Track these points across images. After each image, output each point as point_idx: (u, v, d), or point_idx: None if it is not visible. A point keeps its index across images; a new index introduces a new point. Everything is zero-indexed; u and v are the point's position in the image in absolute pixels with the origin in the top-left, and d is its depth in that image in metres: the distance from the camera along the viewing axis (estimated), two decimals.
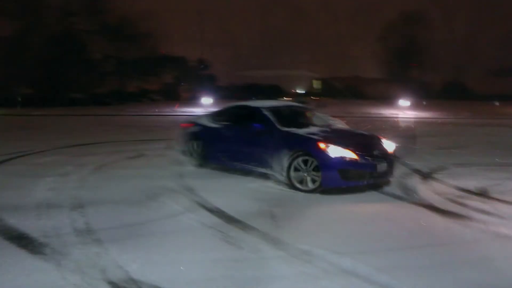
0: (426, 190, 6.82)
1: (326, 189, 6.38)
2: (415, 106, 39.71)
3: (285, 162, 6.61)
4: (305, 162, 6.47)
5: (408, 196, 6.44)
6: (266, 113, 7.41)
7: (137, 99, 47.30)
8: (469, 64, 67.38)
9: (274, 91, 75.02)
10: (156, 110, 33.19)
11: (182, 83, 63.79)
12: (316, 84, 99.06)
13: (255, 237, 4.46)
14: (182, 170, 8.04)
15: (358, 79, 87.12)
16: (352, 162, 6.35)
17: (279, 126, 7.11)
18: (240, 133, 7.70)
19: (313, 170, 6.40)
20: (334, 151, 6.38)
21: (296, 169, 6.53)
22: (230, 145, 7.81)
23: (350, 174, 6.38)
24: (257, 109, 7.69)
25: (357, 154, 6.38)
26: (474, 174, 8.11)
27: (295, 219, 5.31)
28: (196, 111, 33.92)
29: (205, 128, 8.31)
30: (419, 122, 23.63)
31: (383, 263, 3.86)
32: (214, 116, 8.52)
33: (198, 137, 8.30)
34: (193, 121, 8.82)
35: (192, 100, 55.63)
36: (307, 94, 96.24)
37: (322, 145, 6.45)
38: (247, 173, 7.53)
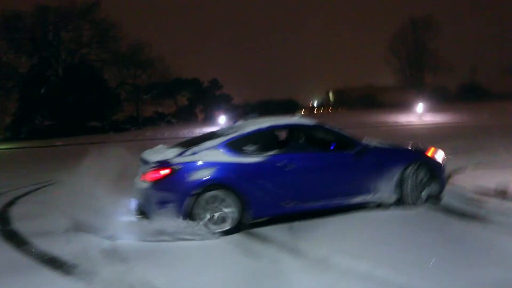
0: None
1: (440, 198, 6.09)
2: (431, 111, 39.36)
3: (395, 178, 5.80)
4: (418, 173, 5.89)
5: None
6: (337, 130, 6.09)
7: (154, 123, 48.04)
8: (483, 64, 66.83)
9: (289, 106, 75.37)
10: (166, 133, 33.62)
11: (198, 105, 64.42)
12: (332, 96, 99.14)
13: None
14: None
15: (372, 88, 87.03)
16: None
17: (363, 142, 6.02)
18: (313, 161, 5.75)
19: (428, 180, 5.99)
20: (440, 156, 6.28)
21: (411, 183, 5.88)
22: (298, 182, 5.57)
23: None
24: (319, 127, 6.10)
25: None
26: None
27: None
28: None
29: (235, 167, 5.34)
30: (439, 128, 23.45)
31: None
32: (233, 144, 5.49)
33: (227, 184, 5.26)
34: (188, 162, 5.28)
35: (208, 120, 56.28)
36: (321, 106, 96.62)
37: (430, 152, 6.23)
38: (321, 214, 5.75)
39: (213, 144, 5.44)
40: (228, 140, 5.52)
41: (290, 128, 6.25)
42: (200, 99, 65.34)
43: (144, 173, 5.30)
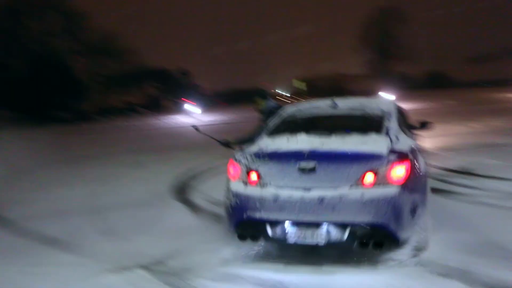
0: None
1: None
2: (399, 98, 40.12)
3: None
4: None
5: None
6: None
7: (124, 113, 47.24)
8: (448, 53, 68.61)
9: (259, 95, 75.42)
10: (137, 123, 33.21)
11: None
12: (299, 85, 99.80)
13: None
14: None
15: (341, 76, 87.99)
16: None
17: None
18: None
19: None
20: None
21: None
22: None
23: None
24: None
25: None
26: None
27: None
28: (187, 121, 34.15)
29: None
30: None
31: None
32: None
33: None
34: (409, 149, 3.90)
35: (177, 110, 55.72)
36: (292, 95, 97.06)
37: None
38: None
39: (394, 126, 4.11)
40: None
41: None
42: (168, 89, 64.67)
43: (381, 171, 3.50)
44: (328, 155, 3.60)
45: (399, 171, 3.50)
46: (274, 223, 3.60)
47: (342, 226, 3.45)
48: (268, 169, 3.70)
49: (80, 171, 9.57)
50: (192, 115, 37.96)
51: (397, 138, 3.86)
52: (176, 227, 4.85)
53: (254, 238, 3.77)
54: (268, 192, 3.62)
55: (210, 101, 58.16)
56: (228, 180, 3.93)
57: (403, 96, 42.67)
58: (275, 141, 3.93)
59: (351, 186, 3.45)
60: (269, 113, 5.25)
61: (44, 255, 4.22)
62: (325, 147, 3.65)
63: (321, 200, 3.43)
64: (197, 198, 6.20)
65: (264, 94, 5.67)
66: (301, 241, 3.55)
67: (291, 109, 4.92)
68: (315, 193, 3.47)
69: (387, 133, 3.87)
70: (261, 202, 3.62)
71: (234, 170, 3.90)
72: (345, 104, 4.79)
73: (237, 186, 3.82)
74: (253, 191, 3.70)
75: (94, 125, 32.49)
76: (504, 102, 25.80)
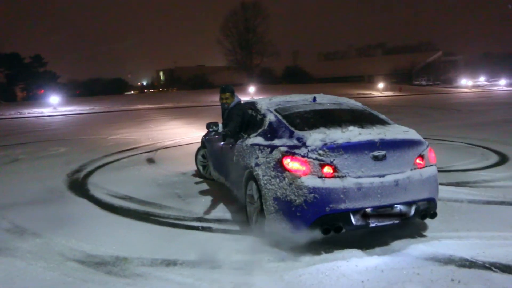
0: None
1: None
2: (259, 92, 42.32)
3: None
4: None
5: None
6: None
7: None
8: (305, 50, 73.73)
9: (118, 85, 73.13)
10: None
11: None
12: (162, 76, 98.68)
13: None
14: None
15: (203, 68, 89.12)
16: None
17: None
18: None
19: None
20: None
21: None
22: None
23: None
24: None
25: None
26: None
27: None
28: (45, 111, 32.10)
29: None
30: None
31: None
32: None
33: None
34: None
35: (30, 100, 51.57)
36: (151, 86, 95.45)
37: None
38: None
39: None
40: None
41: None
42: (20, 76, 59.58)
43: (425, 153, 4.31)
44: (394, 143, 4.05)
45: (432, 153, 4.37)
46: (356, 211, 3.89)
47: (409, 204, 4.06)
48: (344, 160, 3.89)
49: None
50: (49, 105, 35.71)
51: None
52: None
53: (339, 229, 3.89)
54: (351, 182, 3.85)
55: (68, 91, 55.09)
56: (292, 177, 3.93)
57: (262, 90, 45.23)
58: (338, 134, 4.04)
59: (411, 169, 4.08)
60: (232, 108, 5.75)
61: None
62: (389, 137, 4.08)
63: (396, 184, 3.94)
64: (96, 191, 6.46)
65: (232, 90, 5.92)
66: (380, 223, 3.97)
67: (282, 105, 5.13)
68: (390, 178, 3.95)
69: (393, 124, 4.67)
70: (345, 193, 3.81)
71: (303, 165, 3.92)
72: (325, 100, 5.37)
73: (313, 181, 3.85)
74: (333, 183, 3.84)
75: None
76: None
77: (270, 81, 64.89)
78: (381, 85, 53.50)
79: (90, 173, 8.12)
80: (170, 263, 3.84)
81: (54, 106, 35.06)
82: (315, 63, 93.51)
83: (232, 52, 65.52)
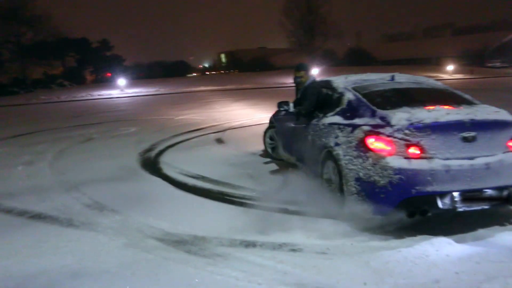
0: None
1: None
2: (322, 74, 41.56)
3: None
4: None
5: None
6: None
7: (45, 86, 44.70)
8: (368, 31, 71.64)
9: (181, 67, 74.52)
10: (62, 96, 31.91)
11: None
12: (224, 58, 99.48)
13: None
14: None
15: (264, 50, 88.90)
16: None
17: None
18: None
19: None
20: None
21: None
22: None
23: None
24: None
25: None
26: None
27: None
28: (113, 93, 33.28)
29: None
30: None
31: None
32: None
33: None
34: None
35: (98, 82, 53.68)
36: (213, 68, 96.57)
37: None
38: None
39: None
40: None
41: None
42: (89, 60, 61.98)
43: None
44: (485, 124, 3.76)
45: None
46: (443, 195, 3.65)
47: (501, 189, 3.72)
48: (431, 141, 3.68)
49: (32, 148, 9.38)
50: (117, 87, 36.94)
51: None
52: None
53: (424, 212, 3.70)
54: (438, 164, 3.64)
55: (133, 74, 56.75)
56: (376, 157, 3.77)
57: (325, 72, 44.40)
58: (425, 114, 3.79)
59: (503, 152, 3.79)
60: (307, 87, 5.67)
61: (45, 231, 4.24)
62: (479, 117, 3.77)
63: (487, 167, 3.65)
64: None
65: (306, 68, 5.91)
66: (468, 208, 3.68)
67: (360, 83, 4.89)
68: (481, 161, 3.67)
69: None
70: (433, 175, 3.60)
71: (388, 145, 3.76)
72: (403, 79, 5.09)
73: (399, 162, 3.67)
74: (420, 164, 3.65)
75: (17, 99, 30.74)
76: None
77: (332, 63, 63.61)
78: (450, 67, 50.92)
79: (161, 152, 8.26)
80: (249, 244, 3.76)
81: (121, 88, 36.17)
82: (379, 44, 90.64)
83: (294, 33, 64.63)
